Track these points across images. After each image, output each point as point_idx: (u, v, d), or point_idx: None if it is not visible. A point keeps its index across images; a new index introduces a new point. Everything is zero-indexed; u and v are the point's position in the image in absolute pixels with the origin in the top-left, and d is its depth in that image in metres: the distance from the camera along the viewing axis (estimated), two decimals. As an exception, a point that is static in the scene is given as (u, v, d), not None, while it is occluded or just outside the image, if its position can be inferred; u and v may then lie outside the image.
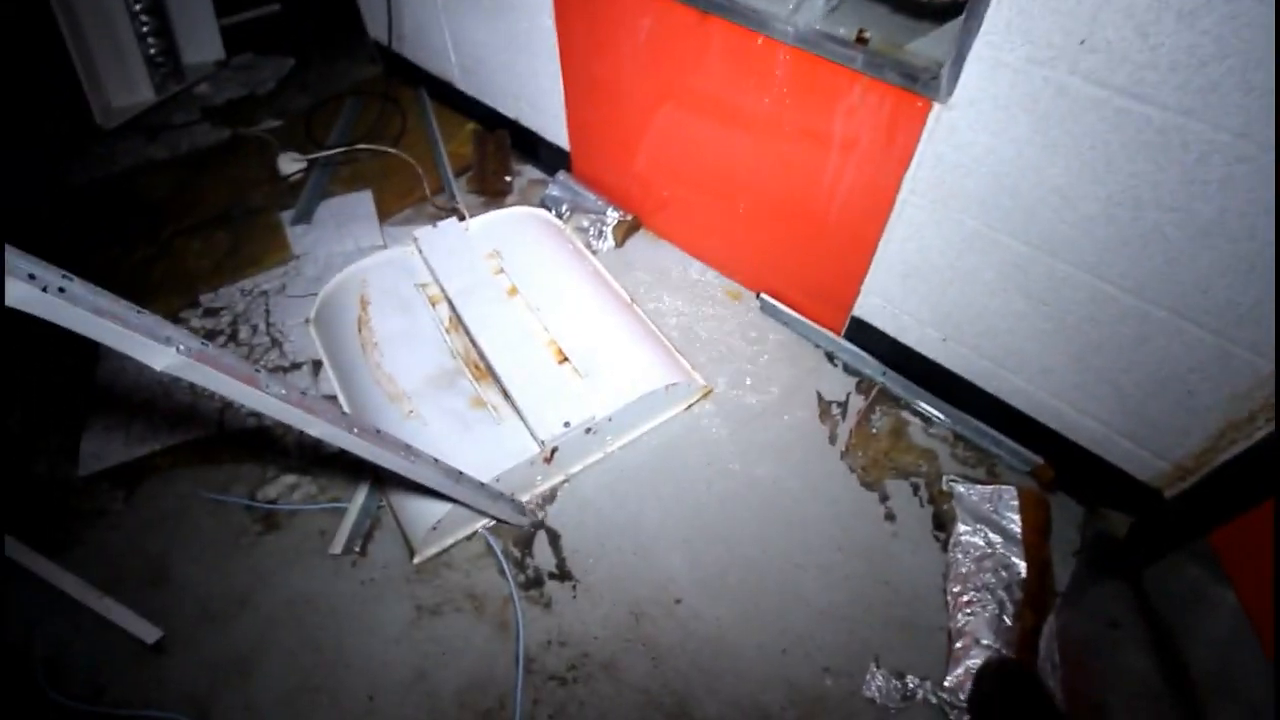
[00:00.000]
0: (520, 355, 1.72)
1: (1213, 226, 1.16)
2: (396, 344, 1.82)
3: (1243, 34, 0.98)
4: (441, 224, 2.03)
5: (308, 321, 1.99)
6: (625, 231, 2.28)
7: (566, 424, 1.55)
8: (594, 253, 2.24)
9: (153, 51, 2.71)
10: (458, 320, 1.84)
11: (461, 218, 2.09)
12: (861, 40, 1.42)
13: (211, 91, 2.92)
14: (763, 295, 2.06)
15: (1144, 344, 1.37)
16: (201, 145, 2.68)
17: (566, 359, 1.75)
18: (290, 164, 2.48)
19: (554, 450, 1.59)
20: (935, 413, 1.78)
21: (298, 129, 2.73)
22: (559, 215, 2.32)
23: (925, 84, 1.34)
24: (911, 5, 1.47)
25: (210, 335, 1.98)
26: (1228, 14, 0.98)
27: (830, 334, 1.95)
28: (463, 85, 2.65)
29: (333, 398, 1.82)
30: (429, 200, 2.41)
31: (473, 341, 1.77)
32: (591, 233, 2.28)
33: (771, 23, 1.50)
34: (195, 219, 2.36)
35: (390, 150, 2.56)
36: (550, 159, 2.48)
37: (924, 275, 1.63)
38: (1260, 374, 1.25)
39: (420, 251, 1.98)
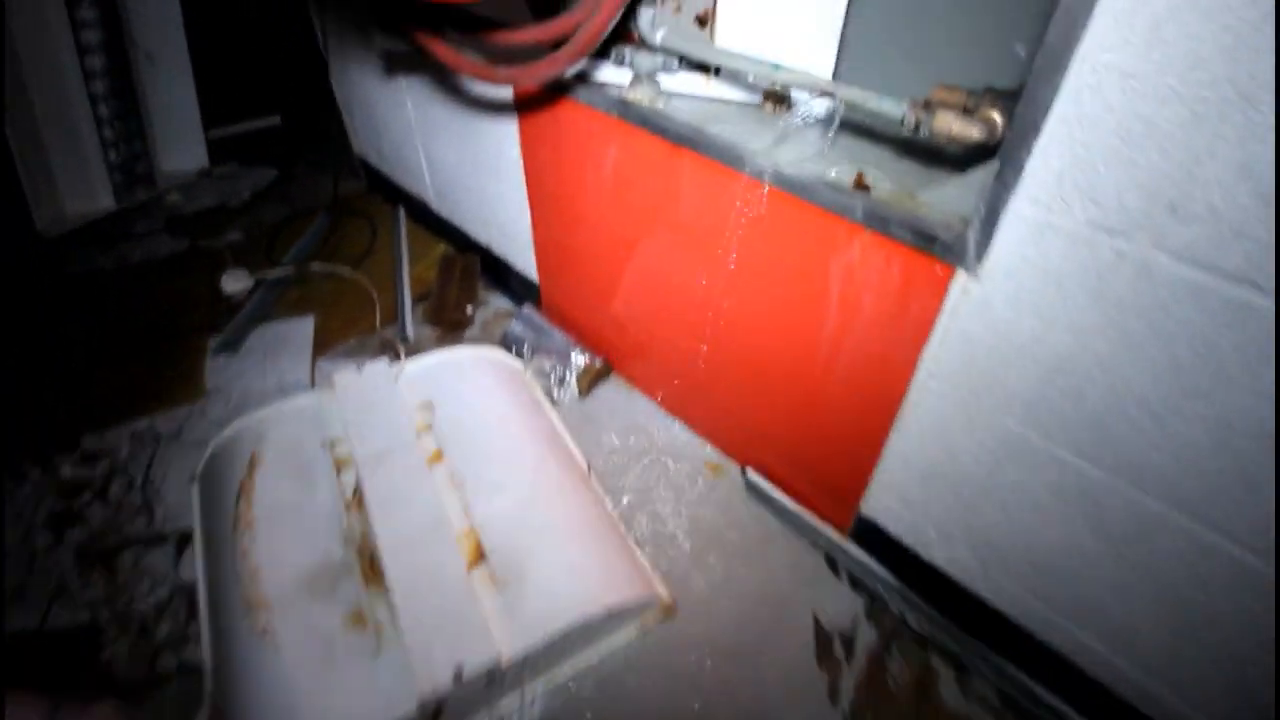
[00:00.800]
0: (423, 554, 1.32)
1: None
2: (278, 523, 1.45)
3: None
4: (368, 367, 1.71)
5: (192, 479, 1.64)
6: (593, 379, 1.94)
7: (458, 674, 1.13)
8: (554, 403, 1.89)
9: (116, 158, 2.58)
10: (361, 495, 1.47)
11: (396, 357, 1.77)
12: (861, 186, 1.11)
13: (182, 201, 2.78)
14: (749, 472, 1.66)
15: (1285, 626, 0.92)
16: (155, 257, 2.48)
17: (483, 558, 1.35)
18: (234, 282, 2.24)
19: (438, 710, 1.15)
20: (976, 661, 1.31)
21: (260, 244, 2.53)
22: (520, 355, 2.00)
23: (945, 247, 1.00)
24: (922, 149, 1.17)
25: (76, 490, 1.64)
26: None
27: (833, 532, 1.53)
28: (437, 207, 2.45)
29: (191, 588, 1.44)
30: (376, 331, 2.12)
31: (371, 527, 1.39)
32: (553, 378, 1.94)
33: (750, 159, 1.20)
34: (113, 339, 2.09)
35: (345, 271, 2.32)
36: (520, 290, 2.21)
37: (952, 482, 1.23)
38: None
39: (336, 401, 1.65)
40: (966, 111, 1.00)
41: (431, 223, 2.52)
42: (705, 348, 1.62)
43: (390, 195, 2.71)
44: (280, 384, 1.92)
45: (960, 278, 1.01)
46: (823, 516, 1.54)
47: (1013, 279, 0.96)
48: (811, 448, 1.50)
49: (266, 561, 1.38)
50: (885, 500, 1.39)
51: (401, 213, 2.63)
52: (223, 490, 1.56)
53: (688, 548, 1.56)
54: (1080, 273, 0.89)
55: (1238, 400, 0.82)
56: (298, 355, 2.01)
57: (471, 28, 1.36)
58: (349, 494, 1.53)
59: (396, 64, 2.03)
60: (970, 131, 0.96)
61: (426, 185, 2.42)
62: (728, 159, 1.23)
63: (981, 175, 1.00)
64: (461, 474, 1.52)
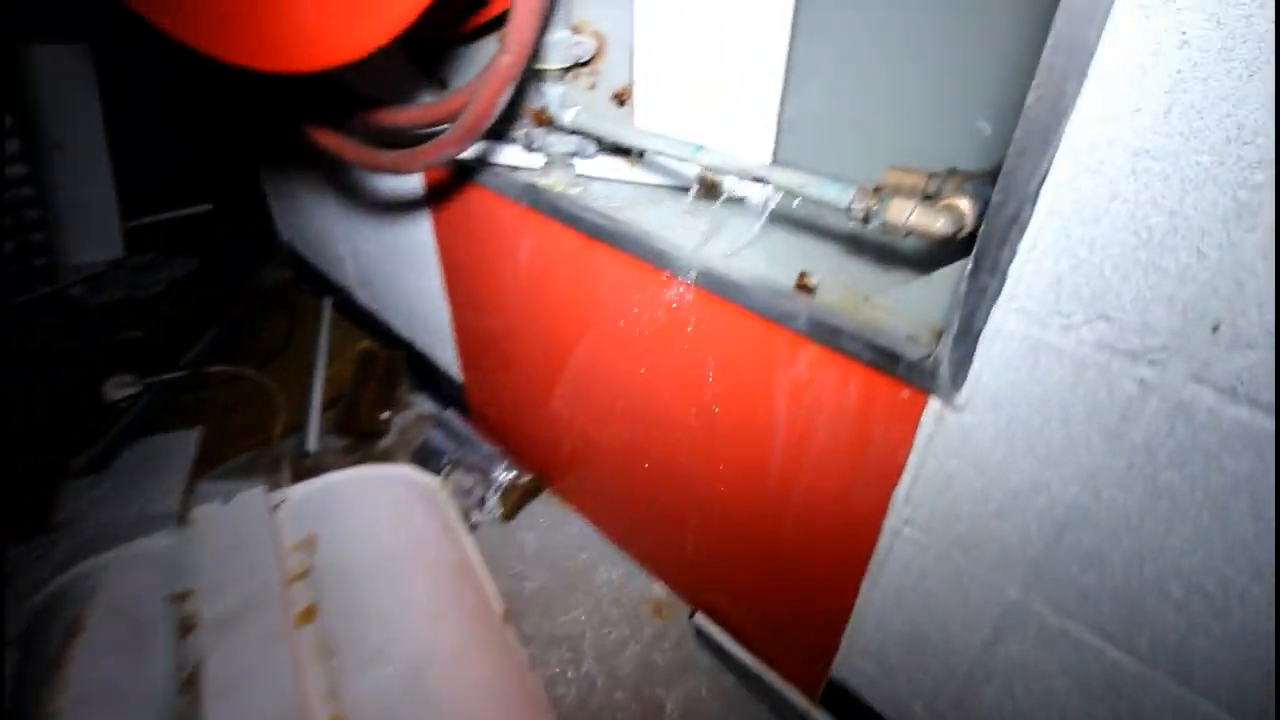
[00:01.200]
0: (260, 762, 1.00)
1: None
2: (90, 714, 1.12)
3: None
4: (238, 497, 1.42)
5: (14, 643, 1.31)
6: (519, 498, 1.66)
7: None
8: (473, 528, 1.60)
9: (12, 248, 2.35)
10: (200, 673, 1.16)
11: (276, 483, 1.49)
12: (804, 287, 0.90)
13: (87, 294, 2.53)
14: (699, 617, 1.37)
15: None
16: (40, 356, 2.20)
17: (343, 767, 1.03)
18: (119, 389, 1.96)
19: None
20: None
21: (161, 343, 2.27)
22: (439, 469, 1.73)
23: (912, 367, 0.78)
24: (877, 246, 0.97)
25: None
26: None
27: (798, 697, 1.23)
28: (361, 297, 2.22)
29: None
30: (272, 444, 1.84)
31: (200, 721, 1.07)
32: (474, 497, 1.66)
33: (673, 255, 1.00)
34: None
35: (249, 372, 2.06)
36: (446, 390, 1.96)
37: (939, 651, 0.96)
38: None
39: (192, 544, 1.35)
40: (927, 198, 0.80)
41: (356, 315, 2.29)
42: (646, 466, 1.36)
43: (317, 286, 2.49)
44: (143, 514, 1.61)
45: (934, 405, 0.79)
46: (786, 678, 1.25)
47: (1001, 411, 0.73)
48: (772, 593, 1.23)
49: (58, 775, 1.05)
50: (860, 664, 1.11)
51: (328, 305, 2.40)
52: (36, 664, 1.23)
53: (625, 712, 1.25)
54: (1091, 407, 0.67)
55: (1326, 586, 0.59)
56: (171, 477, 1.71)
57: (352, 107, 1.18)
58: (188, 669, 1.21)
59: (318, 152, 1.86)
60: (932, 223, 0.76)
61: (349, 275, 2.21)
62: (648, 254, 1.03)
63: (951, 277, 0.80)
64: (335, 638, 1.21)
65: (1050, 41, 0.55)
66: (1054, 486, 0.73)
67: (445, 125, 1.06)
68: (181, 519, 1.55)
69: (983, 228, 0.68)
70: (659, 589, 1.48)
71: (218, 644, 1.17)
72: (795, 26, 0.96)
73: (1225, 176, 0.51)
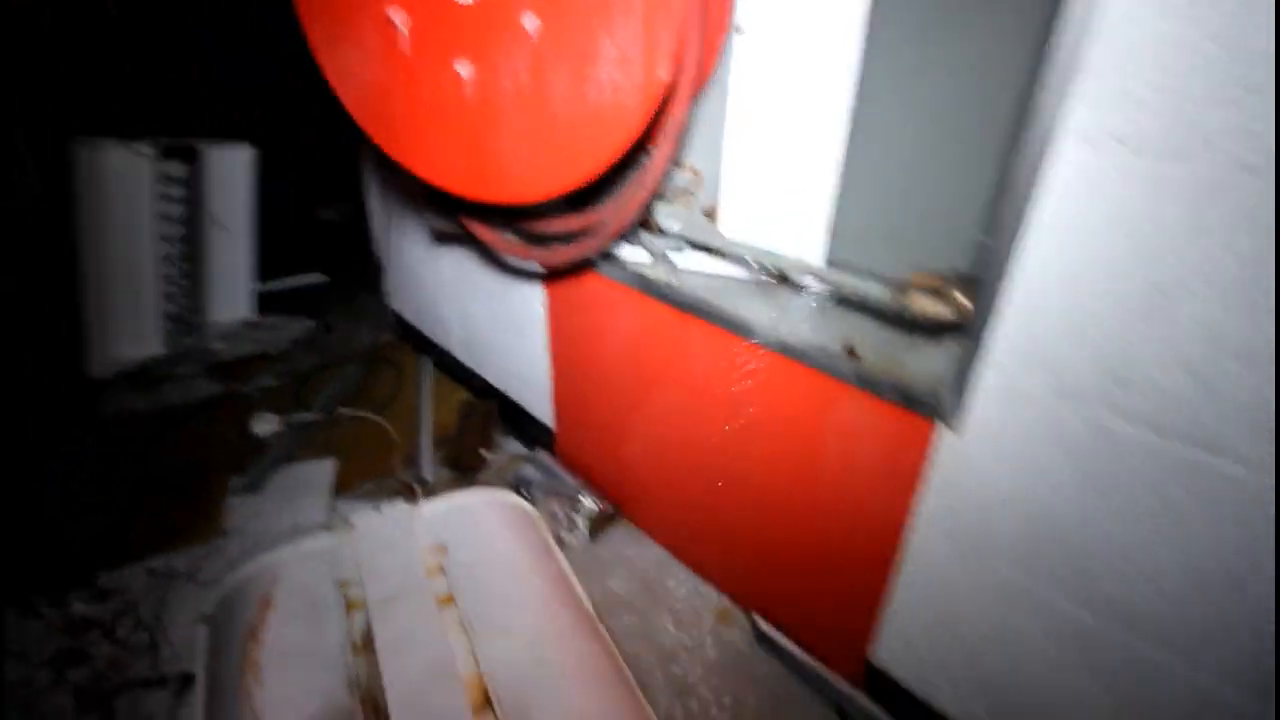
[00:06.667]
0: (428, 700, 1.31)
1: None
2: (286, 665, 1.44)
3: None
4: (386, 508, 1.78)
5: (203, 619, 1.64)
6: (601, 523, 1.99)
7: (458, 831, 1.09)
8: (563, 546, 1.93)
9: (173, 309, 2.84)
10: (370, 639, 1.48)
11: (413, 497, 1.84)
12: (852, 354, 1.27)
13: (225, 348, 2.99)
14: (756, 619, 1.67)
15: (1298, 783, 0.93)
16: (190, 400, 2.63)
17: (489, 706, 1.33)
18: (264, 424, 2.36)
19: None
20: (998, 832, 1.25)
21: (292, 390, 2.69)
22: (530, 498, 2.07)
23: (927, 406, 1.13)
24: (900, 320, 1.35)
25: (84, 627, 1.64)
26: (1304, 364, 0.77)
27: (842, 683, 1.51)
28: (463, 357, 2.64)
29: (190, 734, 1.40)
30: (394, 474, 2.21)
31: (379, 671, 1.39)
32: (563, 522, 2.00)
33: (756, 328, 1.38)
34: (139, 478, 2.17)
35: (371, 416, 2.46)
36: (536, 435, 2.33)
37: (953, 627, 1.26)
38: None
39: (351, 542, 1.70)
40: (938, 294, 1.18)
41: (456, 372, 2.70)
42: (712, 497, 1.70)
43: (419, 346, 2.92)
44: (296, 525, 1.97)
45: (943, 434, 1.14)
46: (832, 666, 1.53)
47: (990, 436, 1.08)
48: (818, 595, 1.53)
49: (271, 706, 1.36)
50: (893, 648, 1.40)
51: (428, 362, 2.83)
52: (231, 632, 1.56)
53: (696, 697, 1.53)
54: (1051, 434, 1.01)
55: (1207, 548, 0.91)
56: (317, 496, 2.08)
57: (511, 216, 1.62)
58: (358, 637, 1.54)
59: (441, 237, 2.32)
60: (942, 312, 1.14)
61: (454, 338, 2.63)
62: (735, 328, 1.41)
63: (955, 345, 1.17)
64: (471, 616, 1.54)
65: (1004, 191, 0.94)
66: (1030, 491, 1.07)
67: (578, 231, 1.48)
68: (332, 525, 1.91)
69: (975, 312, 1.05)
70: (722, 598, 1.77)
71: (383, 617, 1.50)
72: (844, 165, 1.38)
73: (1119, 290, 0.88)
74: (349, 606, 1.61)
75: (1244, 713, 0.93)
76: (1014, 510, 1.10)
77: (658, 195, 1.51)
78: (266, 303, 3.24)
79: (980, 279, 1.02)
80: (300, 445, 2.35)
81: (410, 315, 2.94)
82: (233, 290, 3.11)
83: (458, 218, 1.70)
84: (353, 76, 1.41)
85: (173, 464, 2.25)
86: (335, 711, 1.38)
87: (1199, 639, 0.95)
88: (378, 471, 2.23)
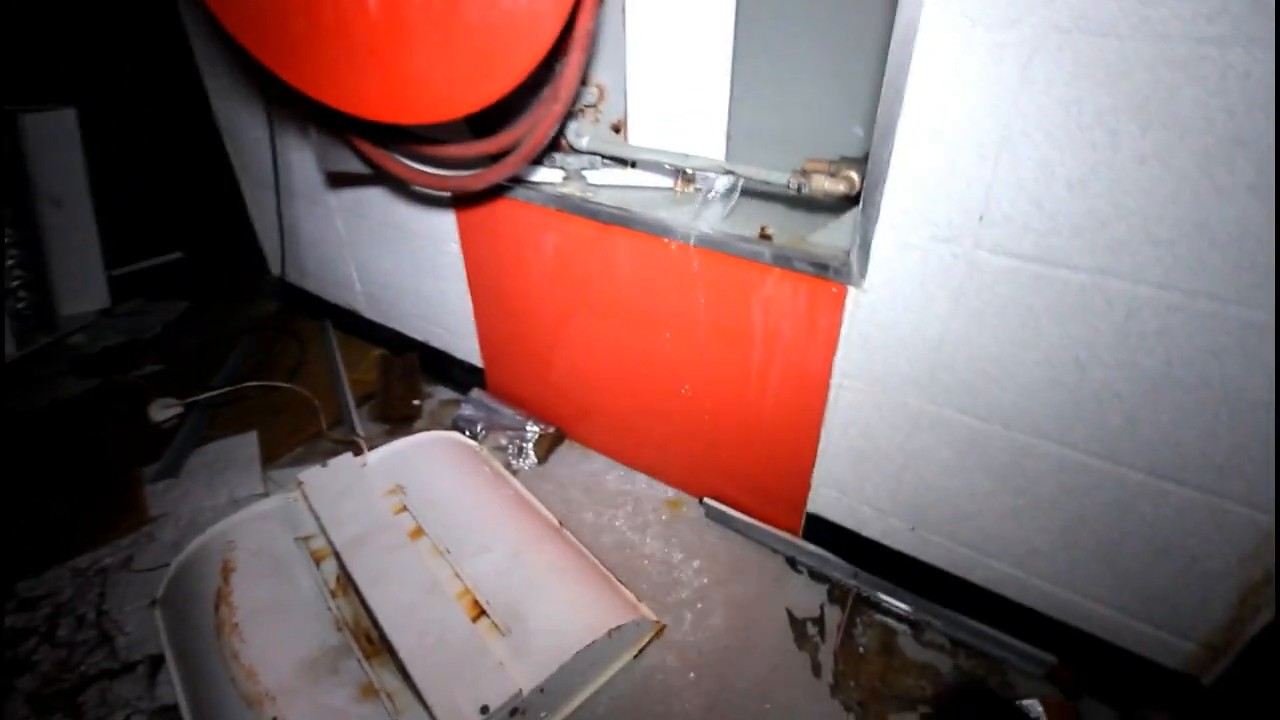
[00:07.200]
0: (423, 616, 1.38)
1: (1162, 379, 1.09)
2: (264, 621, 1.45)
3: (1132, 196, 1.00)
4: (333, 462, 1.77)
5: (154, 603, 1.58)
6: (548, 445, 2.08)
7: (484, 709, 1.19)
8: (515, 473, 2.01)
9: (21, 306, 2.51)
10: (346, 579, 1.51)
11: (358, 451, 1.84)
12: (765, 236, 1.42)
13: (87, 341, 2.70)
14: (707, 500, 1.86)
15: (1128, 511, 1.23)
16: (64, 398, 2.38)
17: (484, 612, 1.42)
18: (163, 410, 2.20)
19: (469, 749, 1.20)
20: (925, 616, 1.54)
21: (181, 373, 2.50)
22: (474, 436, 2.12)
23: (836, 270, 1.31)
24: (805, 201, 1.52)
25: (19, 637, 1.52)
26: (1113, 181, 1.00)
27: (788, 536, 1.74)
28: (369, 313, 2.57)
29: (173, 708, 1.38)
30: (324, 435, 2.16)
31: (364, 605, 1.43)
32: (510, 451, 2.07)
33: (676, 227, 1.49)
34: (33, 482, 1.98)
35: (283, 385, 2.35)
36: (463, 378, 2.35)
37: (875, 461, 1.50)
38: (1262, 529, 1.12)
39: (305, 497, 1.68)
40: (831, 175, 1.35)
41: (363, 330, 2.62)
42: (657, 400, 1.84)
43: (315, 311, 2.79)
44: (233, 498, 1.90)
45: (853, 292, 1.33)
46: (777, 524, 1.76)
47: (890, 287, 1.28)
48: (758, 466, 1.73)
49: (261, 659, 1.37)
50: (825, 494, 1.63)
51: (329, 325, 2.71)
52: (194, 605, 1.53)
53: (664, 576, 1.70)
54: (934, 274, 1.22)
55: (1054, 344, 1.16)
56: (245, 469, 2.00)
57: (416, 142, 1.60)
58: (331, 583, 1.56)
59: (339, 180, 2.21)
60: (838, 187, 1.31)
61: (358, 296, 2.55)
62: (656, 230, 1.52)
63: (852, 216, 1.35)
64: (444, 544, 1.60)
65: (884, 80, 1.10)
66: (923, 327, 1.28)
67: (496, 152, 1.51)
68: (272, 493, 1.86)
69: (866, 184, 1.22)
70: (671, 490, 1.95)
71: (356, 557, 1.53)
72: (733, 78, 1.50)
73: (974, 139, 1.07)
74: (315, 558, 1.62)
75: (1100, 471, 1.21)
76: (914, 348, 1.31)
77: (568, 112, 1.56)
78: (123, 288, 2.93)
79: (871, 153, 1.18)
80: (210, 424, 2.22)
81: (302, 280, 2.78)
82: (83, 278, 2.79)
83: (361, 151, 1.66)
84: None
85: (71, 463, 2.06)
86: (329, 650, 1.41)
87: (1059, 420, 1.22)
88: (305, 437, 2.17)
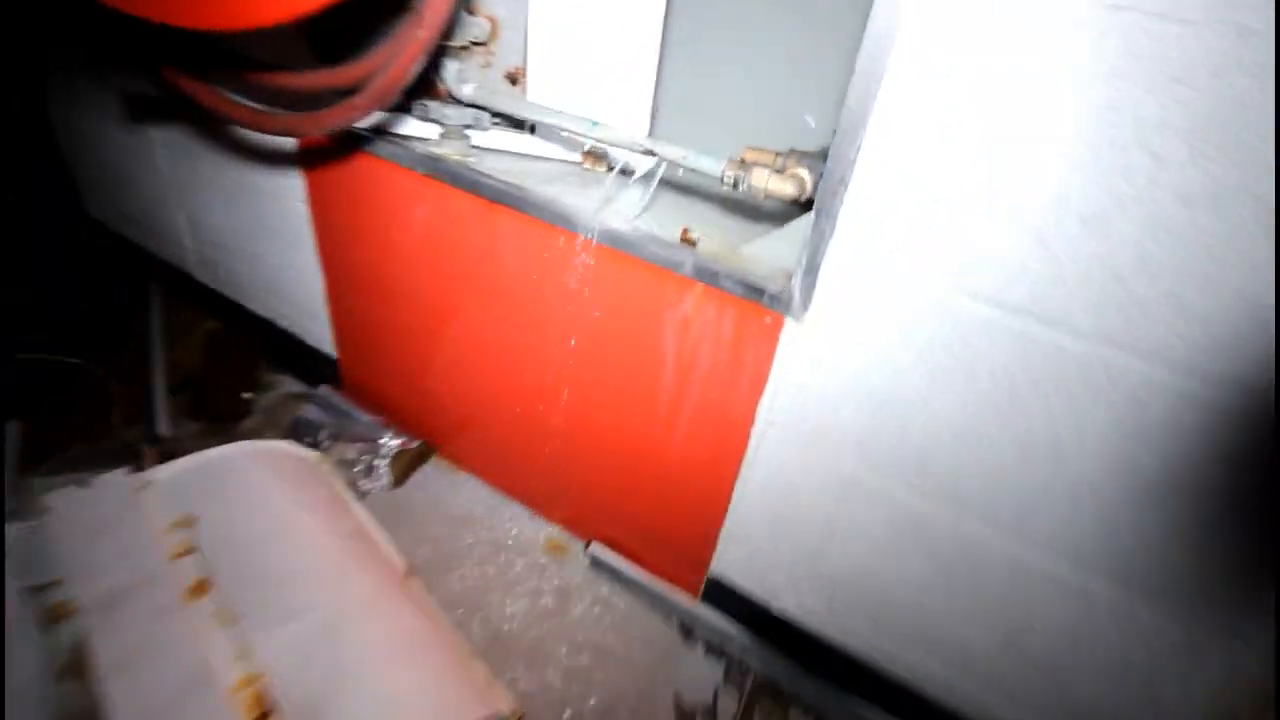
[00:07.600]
0: (180, 721, 0.99)
1: (1160, 484, 0.87)
2: (-57, 718, 1.01)
3: (1165, 247, 0.75)
4: (100, 480, 1.33)
5: None
6: (408, 464, 1.70)
7: None
8: (362, 496, 1.62)
9: None
10: (82, 658, 1.09)
11: (142, 465, 1.40)
12: (688, 241, 1.11)
13: None
14: (595, 547, 1.54)
15: (1087, 624, 1.02)
16: None
17: (269, 714, 1.05)
18: (-114, 384, 1.65)
19: None
20: (834, 707, 1.30)
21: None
22: (315, 445, 1.70)
23: (773, 296, 1.02)
24: (744, 207, 1.21)
25: None
26: (1144, 221, 0.75)
27: (684, 598, 1.45)
28: (201, 276, 2.07)
29: None
30: (115, 433, 1.68)
31: (98, 703, 1.02)
32: (360, 469, 1.67)
33: (577, 216, 1.15)
34: None
35: (69, 360, 1.84)
36: (314, 369, 1.91)
37: (795, 525, 1.23)
38: (1245, 673, 0.93)
39: (47, 529, 1.24)
40: (777, 171, 1.05)
41: (196, 296, 2.12)
42: (538, 417, 1.50)
43: (139, 266, 2.25)
44: (-42, 515, 1.41)
45: (789, 325, 1.04)
46: (673, 583, 1.47)
47: (837, 323, 1.00)
48: (659, 512, 1.43)
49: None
50: (733, 554, 1.36)
51: (153, 287, 2.18)
52: None
53: (532, 645, 1.38)
54: (894, 315, 0.95)
55: (1031, 421, 0.92)
56: (-11, 473, 1.51)
57: (241, 68, 1.17)
58: (65, 658, 1.13)
59: (142, 110, 1.71)
60: (784, 187, 1.01)
61: (187, 252, 2.04)
62: (552, 217, 1.17)
63: (799, 227, 1.05)
64: (235, 606, 1.21)
65: (860, 53, 0.80)
66: (871, 378, 1.01)
67: (339, 87, 1.11)
68: (17, 513, 1.39)
69: (821, 188, 0.93)
70: (555, 529, 1.62)
71: (103, 625, 1.11)
72: (666, 31, 1.16)
73: (973, 146, 0.79)
74: (50, 617, 1.18)
75: (1060, 577, 0.99)
76: (857, 402, 1.04)
77: (445, 49, 1.18)
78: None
79: (832, 149, 0.89)
80: (-45, 407, 1.69)
81: (119, 225, 2.23)
82: None
83: (162, 73, 1.20)
84: None
85: None
86: (32, 765, 1.00)
87: (1022, 512, 0.98)
88: (91, 435, 1.68)
